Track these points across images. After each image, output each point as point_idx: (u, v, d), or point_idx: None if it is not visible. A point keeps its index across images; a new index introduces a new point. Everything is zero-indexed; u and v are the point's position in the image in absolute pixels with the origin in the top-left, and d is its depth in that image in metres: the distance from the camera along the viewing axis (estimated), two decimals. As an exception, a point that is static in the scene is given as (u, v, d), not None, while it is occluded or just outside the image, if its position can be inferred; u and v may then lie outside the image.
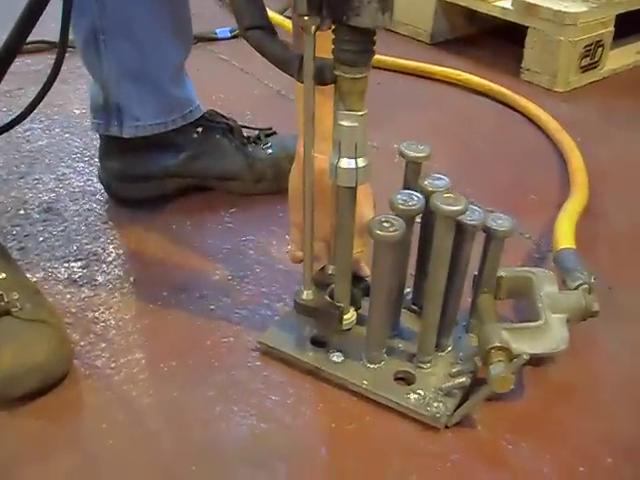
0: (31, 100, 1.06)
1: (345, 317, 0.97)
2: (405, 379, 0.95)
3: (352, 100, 0.81)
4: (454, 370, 0.93)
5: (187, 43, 1.28)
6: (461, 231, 0.89)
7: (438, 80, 1.87)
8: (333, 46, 0.78)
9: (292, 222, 1.03)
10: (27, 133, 1.52)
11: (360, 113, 0.82)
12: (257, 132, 1.38)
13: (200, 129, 1.30)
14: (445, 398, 0.90)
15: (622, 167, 1.50)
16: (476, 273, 0.99)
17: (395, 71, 1.90)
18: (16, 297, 0.93)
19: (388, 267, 0.88)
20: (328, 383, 0.95)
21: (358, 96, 0.81)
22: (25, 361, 0.88)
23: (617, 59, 1.95)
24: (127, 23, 1.17)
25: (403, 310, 1.02)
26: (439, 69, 1.87)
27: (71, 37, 1.05)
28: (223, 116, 1.34)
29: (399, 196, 0.90)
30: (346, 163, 0.84)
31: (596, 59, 1.86)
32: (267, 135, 1.37)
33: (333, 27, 0.76)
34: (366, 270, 1.01)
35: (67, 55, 1.04)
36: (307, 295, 0.96)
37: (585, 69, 1.85)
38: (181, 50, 1.27)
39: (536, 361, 0.96)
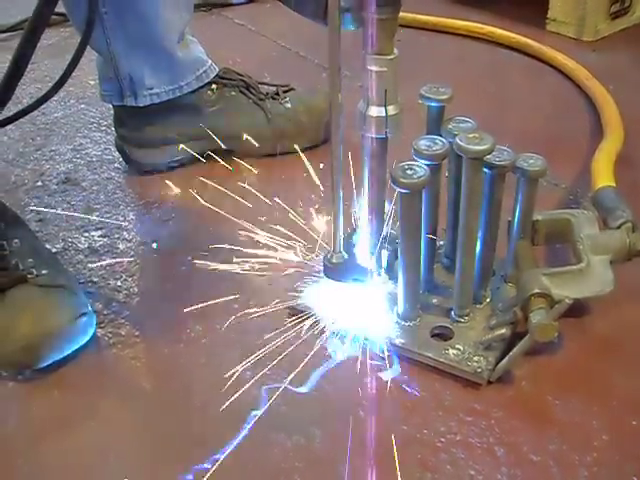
0: (59, 76, 1.02)
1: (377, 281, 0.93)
2: (442, 335, 0.91)
3: (381, 43, 0.77)
4: (493, 322, 0.88)
5: (189, 6, 1.25)
6: (490, 173, 0.85)
7: (461, 35, 1.81)
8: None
9: None
10: (42, 106, 1.49)
11: (390, 57, 0.78)
12: (275, 88, 1.34)
13: (214, 87, 1.27)
14: (486, 352, 0.86)
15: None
16: (510, 219, 0.94)
17: (416, 28, 1.84)
18: (31, 264, 0.90)
19: (415, 217, 0.84)
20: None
21: (387, 39, 0.77)
22: (44, 328, 0.85)
23: (648, 4, 1.86)
24: None
25: (436, 265, 0.98)
26: (461, 23, 1.81)
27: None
28: (238, 73, 1.31)
29: (422, 141, 0.86)
30: (376, 111, 0.80)
31: (626, 5, 1.78)
32: (285, 91, 1.34)
33: None
34: None
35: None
36: (336, 258, 0.92)
37: (615, 16, 1.78)
38: (184, 14, 1.23)
39: (578, 312, 0.92)
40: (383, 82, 0.79)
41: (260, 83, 1.32)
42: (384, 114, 0.80)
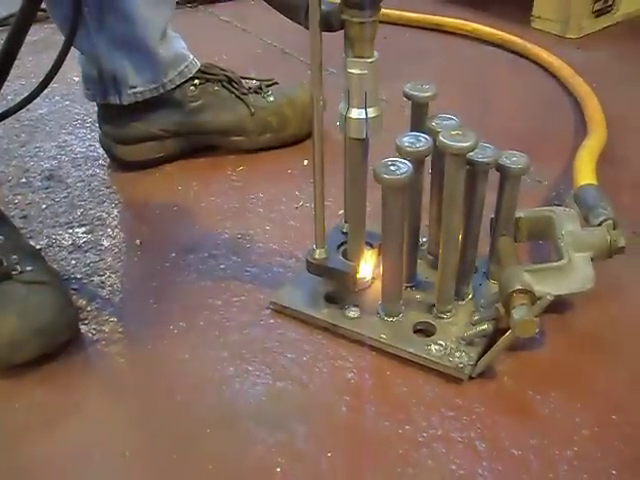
0: (44, 75, 1.02)
1: (360, 277, 0.93)
2: (425, 330, 0.91)
3: (361, 46, 0.78)
4: (475, 318, 0.89)
5: (170, 3, 1.25)
6: (473, 170, 0.85)
7: (446, 32, 1.82)
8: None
9: None
10: (26, 103, 1.49)
11: (370, 60, 0.78)
12: (258, 83, 1.35)
13: (197, 82, 1.27)
14: (467, 347, 0.87)
15: (640, 112, 1.45)
16: (493, 216, 0.94)
17: (402, 25, 1.84)
18: (15, 260, 0.90)
19: (398, 213, 0.84)
20: (345, 339, 0.92)
21: (367, 42, 0.78)
22: (28, 324, 0.85)
23: (632, 2, 1.87)
24: None
25: (419, 261, 0.98)
26: (447, 20, 1.82)
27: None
28: (221, 68, 1.31)
29: (406, 138, 0.86)
30: (356, 113, 0.80)
31: (610, 3, 1.79)
32: (268, 85, 1.34)
33: None
34: None
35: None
36: (319, 254, 0.93)
37: (598, 14, 1.79)
38: (165, 11, 1.23)
39: (561, 308, 0.93)
40: (363, 85, 0.79)
41: (243, 78, 1.32)
42: (364, 116, 0.80)
